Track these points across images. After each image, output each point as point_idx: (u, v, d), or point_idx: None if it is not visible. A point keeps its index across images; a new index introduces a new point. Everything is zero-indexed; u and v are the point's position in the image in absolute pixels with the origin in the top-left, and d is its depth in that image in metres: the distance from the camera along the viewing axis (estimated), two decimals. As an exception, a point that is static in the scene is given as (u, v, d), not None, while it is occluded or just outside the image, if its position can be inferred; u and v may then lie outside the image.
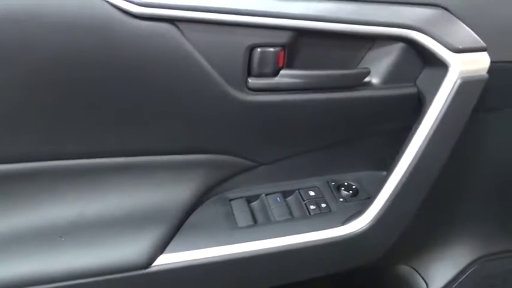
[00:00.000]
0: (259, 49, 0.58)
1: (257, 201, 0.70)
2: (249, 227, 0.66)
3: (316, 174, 0.74)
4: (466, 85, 0.61)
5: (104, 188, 0.62)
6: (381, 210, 0.67)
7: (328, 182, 0.74)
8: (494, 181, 0.82)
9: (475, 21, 0.62)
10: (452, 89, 0.61)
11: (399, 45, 0.63)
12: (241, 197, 0.70)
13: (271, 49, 0.58)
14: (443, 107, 0.62)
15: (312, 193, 0.72)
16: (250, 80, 0.59)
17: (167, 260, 0.61)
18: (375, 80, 0.65)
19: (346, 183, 0.74)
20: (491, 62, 0.62)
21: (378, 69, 0.65)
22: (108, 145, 0.60)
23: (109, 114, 0.58)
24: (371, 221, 0.67)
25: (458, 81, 0.61)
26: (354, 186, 0.74)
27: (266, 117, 0.62)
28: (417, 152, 0.64)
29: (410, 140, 0.64)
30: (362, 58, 0.65)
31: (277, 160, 0.69)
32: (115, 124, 0.59)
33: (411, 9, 0.60)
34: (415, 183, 0.66)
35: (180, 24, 0.54)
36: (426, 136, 0.63)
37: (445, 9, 0.62)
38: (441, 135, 0.63)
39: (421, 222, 0.76)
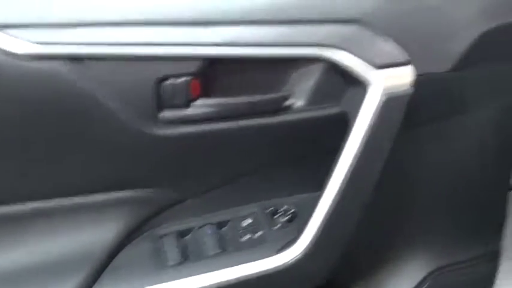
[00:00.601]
0: (168, 81, 0.55)
1: (189, 235, 0.67)
2: (179, 264, 0.63)
3: (253, 200, 0.71)
4: (391, 101, 0.60)
5: (16, 235, 0.58)
6: (316, 234, 0.64)
7: (265, 209, 0.71)
8: (438, 193, 0.80)
9: (397, 35, 0.61)
10: (376, 107, 0.59)
11: (320, 66, 0.61)
12: (172, 232, 0.67)
13: (182, 79, 0.56)
14: (368, 125, 0.60)
15: (246, 222, 0.69)
16: (162, 113, 0.57)
17: None
18: (299, 103, 0.64)
19: (283, 208, 0.71)
20: (418, 75, 0.61)
21: (301, 91, 0.63)
22: (17, 190, 0.57)
23: (15, 157, 0.55)
24: (306, 246, 0.64)
25: (381, 98, 0.59)
26: (292, 211, 0.71)
27: (183, 149, 0.60)
28: (347, 172, 0.62)
29: (338, 159, 0.62)
30: (287, 81, 0.63)
31: (206, 191, 0.67)
32: (22, 167, 0.56)
33: (327, 27, 0.59)
34: (348, 203, 0.64)
35: (77, 62, 0.51)
36: (355, 155, 0.61)
37: (364, 24, 0.60)
38: (370, 153, 0.62)
39: (371, 240, 0.74)
